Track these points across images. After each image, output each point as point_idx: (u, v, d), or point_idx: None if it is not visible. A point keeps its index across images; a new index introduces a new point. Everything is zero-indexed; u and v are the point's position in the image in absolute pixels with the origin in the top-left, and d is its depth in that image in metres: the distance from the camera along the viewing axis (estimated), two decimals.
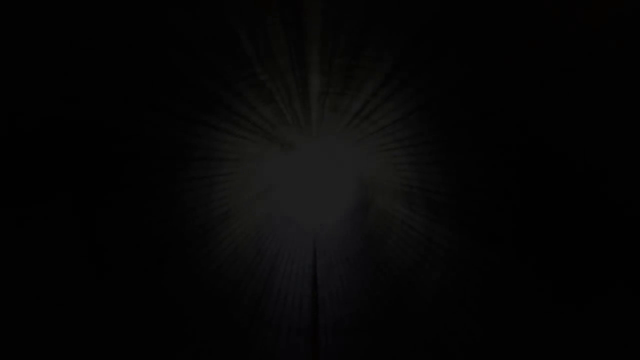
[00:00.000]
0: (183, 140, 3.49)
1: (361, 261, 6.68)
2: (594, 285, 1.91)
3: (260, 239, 7.66)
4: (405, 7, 1.82)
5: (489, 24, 1.69)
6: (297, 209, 14.46)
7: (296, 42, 2.45)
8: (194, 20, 1.85)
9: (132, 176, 2.86)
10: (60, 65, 1.62)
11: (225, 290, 4.68)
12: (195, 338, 3.46)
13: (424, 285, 4.17)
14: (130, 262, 2.91)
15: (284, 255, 7.73)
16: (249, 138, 5.60)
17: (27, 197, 1.85)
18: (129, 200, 2.88)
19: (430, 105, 3.03)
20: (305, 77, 3.33)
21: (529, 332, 2.42)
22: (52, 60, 1.56)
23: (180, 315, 3.45)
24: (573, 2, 1.30)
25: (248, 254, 6.40)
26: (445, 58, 2.21)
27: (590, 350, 1.90)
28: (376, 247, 6.65)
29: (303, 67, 3.02)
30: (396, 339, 3.94)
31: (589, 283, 1.95)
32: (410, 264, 4.85)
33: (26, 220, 1.86)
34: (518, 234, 2.59)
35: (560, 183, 2.01)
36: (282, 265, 7.04)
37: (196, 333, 3.52)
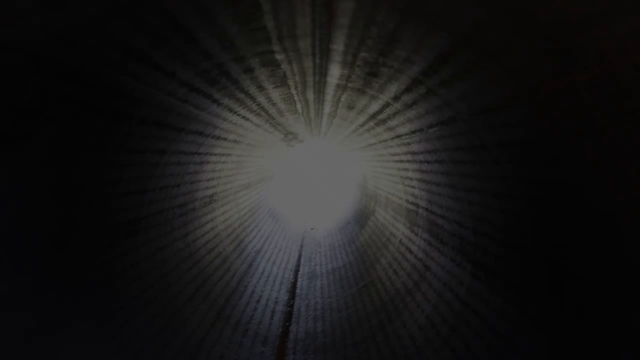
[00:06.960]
0: (179, 109, 3.45)
1: (348, 276, 6.65)
2: (595, 354, 1.88)
3: (243, 231, 7.63)
4: (448, 11, 1.79)
5: (536, 43, 1.66)
6: (288, 207, 14.44)
7: (322, 26, 2.42)
8: None
9: (118, 138, 2.83)
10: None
11: (197, 279, 4.65)
12: (159, 319, 3.43)
13: (411, 315, 4.14)
14: (100, 228, 2.88)
15: (266, 254, 7.70)
16: (252, 120, 5.56)
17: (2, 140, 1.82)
18: (109, 162, 2.85)
19: (455, 122, 3.00)
20: (325, 66, 3.30)
21: None
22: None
23: (148, 293, 3.42)
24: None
25: (227, 246, 6.37)
26: (482, 74, 2.18)
27: None
28: (367, 263, 6.63)
29: (325, 54, 2.99)
30: None
31: (591, 351, 1.92)
32: (400, 289, 4.82)
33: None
34: (524, 279, 2.56)
35: (584, 234, 1.98)
36: (262, 265, 7.02)
37: (161, 314, 3.49)
